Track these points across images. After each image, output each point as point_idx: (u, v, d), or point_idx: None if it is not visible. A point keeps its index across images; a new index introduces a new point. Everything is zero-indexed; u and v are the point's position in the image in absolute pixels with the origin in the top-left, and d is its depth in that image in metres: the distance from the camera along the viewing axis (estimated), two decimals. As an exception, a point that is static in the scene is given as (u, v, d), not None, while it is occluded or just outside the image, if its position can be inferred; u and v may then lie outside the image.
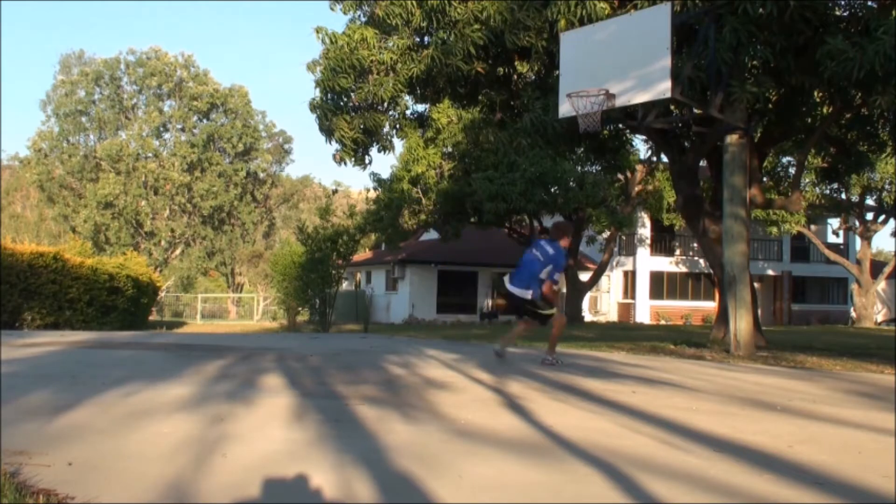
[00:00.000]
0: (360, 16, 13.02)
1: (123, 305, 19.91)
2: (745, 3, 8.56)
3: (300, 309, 22.92)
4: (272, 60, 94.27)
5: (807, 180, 26.85)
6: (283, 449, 3.29)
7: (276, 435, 3.59)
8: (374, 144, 13.35)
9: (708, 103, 9.60)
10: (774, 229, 30.55)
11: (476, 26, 10.55)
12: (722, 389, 5.91)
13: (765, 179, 18.27)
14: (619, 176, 25.27)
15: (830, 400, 5.46)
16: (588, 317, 30.69)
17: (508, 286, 7.55)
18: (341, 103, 12.62)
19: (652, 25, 8.63)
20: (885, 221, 32.55)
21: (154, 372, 6.14)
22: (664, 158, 20.17)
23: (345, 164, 13.24)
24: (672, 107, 11.39)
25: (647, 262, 32.91)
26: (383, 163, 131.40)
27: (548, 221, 27.54)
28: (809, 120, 13.26)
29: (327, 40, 12.20)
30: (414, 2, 11.22)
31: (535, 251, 7.44)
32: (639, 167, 26.82)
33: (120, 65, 44.78)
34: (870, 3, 9.83)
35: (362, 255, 33.41)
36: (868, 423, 4.40)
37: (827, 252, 32.77)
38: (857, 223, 32.92)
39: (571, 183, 24.35)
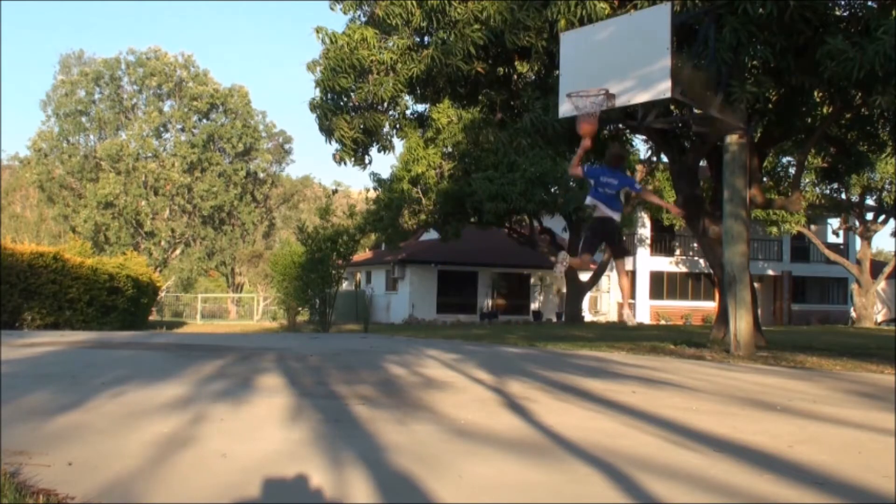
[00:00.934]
0: (360, 16, 13.02)
1: (123, 305, 19.90)
2: (745, 3, 8.56)
3: (300, 309, 22.91)
4: (272, 60, 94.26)
5: (807, 180, 26.84)
6: (282, 449, 3.29)
7: (276, 435, 3.58)
8: (374, 144, 13.34)
9: (708, 103, 9.59)
10: (774, 229, 30.55)
11: (476, 26, 10.55)
12: (722, 389, 5.91)
13: (765, 179, 18.26)
14: (619, 176, 25.22)
15: (830, 400, 5.46)
16: (588, 317, 30.69)
17: (608, 211, 6.93)
18: (341, 103, 12.62)
19: (652, 25, 8.63)
20: (885, 221, 32.54)
21: (154, 372, 6.14)
22: (664, 158, 20.17)
23: (345, 163, 13.24)
24: (672, 107, 11.39)
25: (647, 262, 32.91)
26: (383, 163, 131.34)
27: (548, 221, 27.65)
28: (809, 120, 13.26)
29: (327, 40, 12.20)
30: (414, 2, 11.22)
31: (607, 178, 7.03)
32: (639, 167, 26.81)
33: (120, 65, 44.76)
34: (870, 3, 9.83)
35: (362, 255, 33.40)
36: (868, 423, 4.39)
37: (827, 252, 32.76)
38: (857, 223, 32.91)
39: (571, 183, 24.34)
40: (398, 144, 25.09)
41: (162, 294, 34.29)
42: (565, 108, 9.36)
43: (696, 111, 10.45)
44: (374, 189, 27.23)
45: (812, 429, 4.17)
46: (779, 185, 21.75)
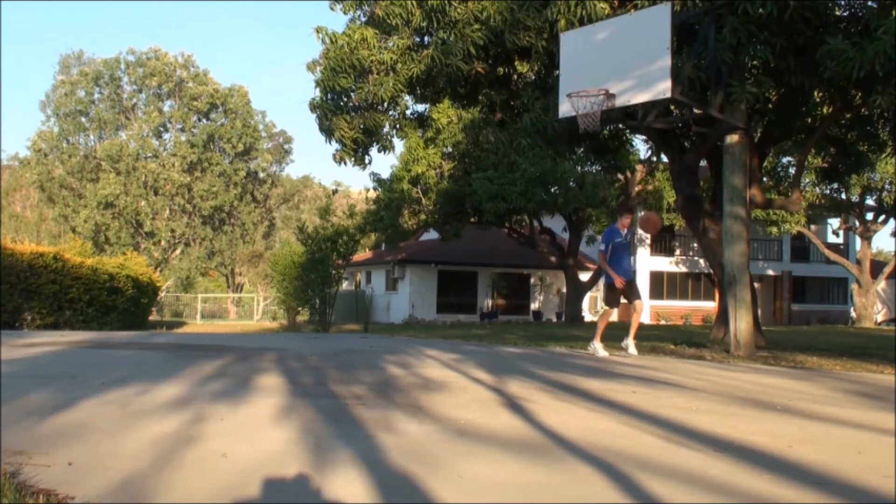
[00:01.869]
0: (360, 16, 13.02)
1: (123, 305, 19.91)
2: (745, 3, 8.56)
3: (300, 309, 22.92)
4: (272, 60, 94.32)
5: (807, 180, 26.86)
6: (282, 449, 3.29)
7: (276, 435, 3.58)
8: (374, 144, 13.35)
9: (708, 103, 9.60)
10: (774, 229, 30.56)
11: (476, 26, 10.55)
12: (722, 389, 5.91)
13: (765, 179, 18.28)
14: (619, 176, 25.27)
15: (830, 400, 5.46)
16: (588, 317, 30.68)
17: (625, 277, 8.89)
18: (341, 103, 12.62)
19: (652, 25, 8.63)
20: (885, 221, 32.56)
21: (154, 372, 6.14)
22: (664, 158, 20.18)
23: (345, 164, 13.24)
24: (672, 107, 11.39)
25: (648, 262, 32.92)
26: (383, 163, 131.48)
27: (548, 221, 27.66)
28: (809, 120, 13.26)
29: (327, 40, 12.20)
30: (414, 2, 11.22)
31: (621, 238, 8.90)
32: (639, 167, 26.83)
33: (120, 65, 44.81)
34: (870, 3, 9.83)
35: (362, 255, 33.41)
36: (868, 423, 4.40)
37: (827, 252, 32.77)
38: (857, 223, 32.92)
39: (571, 183, 24.36)
40: (398, 144, 25.11)
41: (162, 294, 34.31)
42: (565, 108, 9.36)
43: (696, 111, 10.45)
44: (374, 189, 27.24)
45: (812, 429, 4.17)
46: (779, 185, 21.76)
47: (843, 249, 34.88)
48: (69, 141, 44.83)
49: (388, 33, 11.89)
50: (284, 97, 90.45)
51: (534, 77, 12.15)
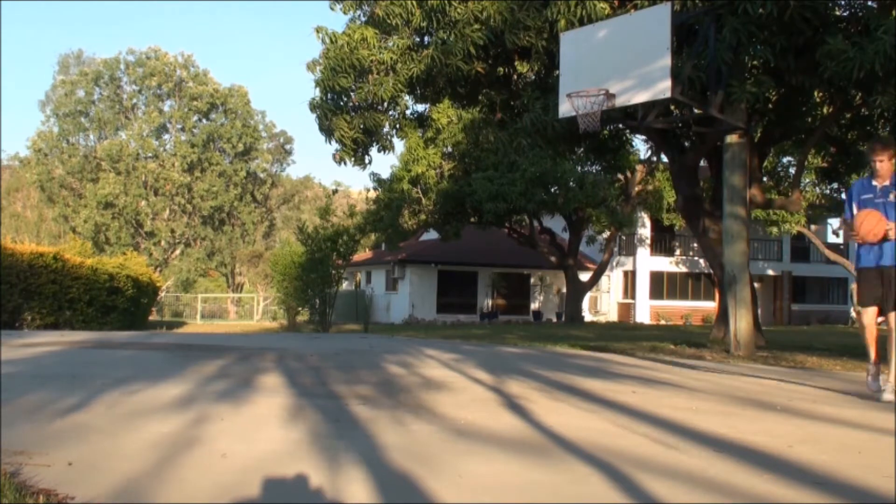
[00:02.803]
0: (360, 16, 13.02)
1: (123, 305, 19.90)
2: (745, 3, 8.56)
3: (300, 309, 22.91)
4: (272, 60, 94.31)
5: (807, 180, 26.86)
6: (282, 449, 3.29)
7: (276, 435, 3.58)
8: (374, 144, 13.35)
9: (708, 103, 9.60)
10: (774, 229, 30.55)
11: (476, 26, 10.55)
12: (722, 389, 5.91)
13: (765, 179, 18.27)
14: (619, 176, 25.27)
15: (830, 400, 5.46)
16: (588, 317, 30.69)
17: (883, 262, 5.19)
18: (341, 103, 12.62)
19: (652, 25, 8.63)
20: (885, 221, 32.52)
21: (154, 372, 6.14)
22: (664, 158, 20.18)
23: (345, 163, 13.25)
24: (672, 107, 11.39)
25: (647, 262, 32.91)
26: (383, 163, 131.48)
27: (548, 221, 27.66)
28: (809, 120, 13.26)
29: (327, 40, 12.21)
30: (414, 2, 11.22)
31: (876, 195, 5.23)
32: (639, 167, 26.82)
33: (119, 65, 44.79)
34: (870, 3, 9.83)
35: (362, 255, 33.41)
36: (868, 423, 4.40)
37: (827, 252, 32.76)
38: (858, 223, 32.88)
39: (571, 183, 24.35)
40: (398, 144, 25.11)
41: (162, 294, 34.30)
42: (565, 108, 9.36)
43: (696, 111, 10.45)
44: (374, 189, 27.24)
45: (812, 429, 4.17)
46: (779, 185, 21.76)
47: (843, 249, 34.86)
48: (69, 141, 44.81)
49: (388, 33, 11.89)
50: (284, 97, 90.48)
51: (534, 77, 12.15)
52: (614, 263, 32.60)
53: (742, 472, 3.03)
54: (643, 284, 32.77)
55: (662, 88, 8.53)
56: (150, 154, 44.50)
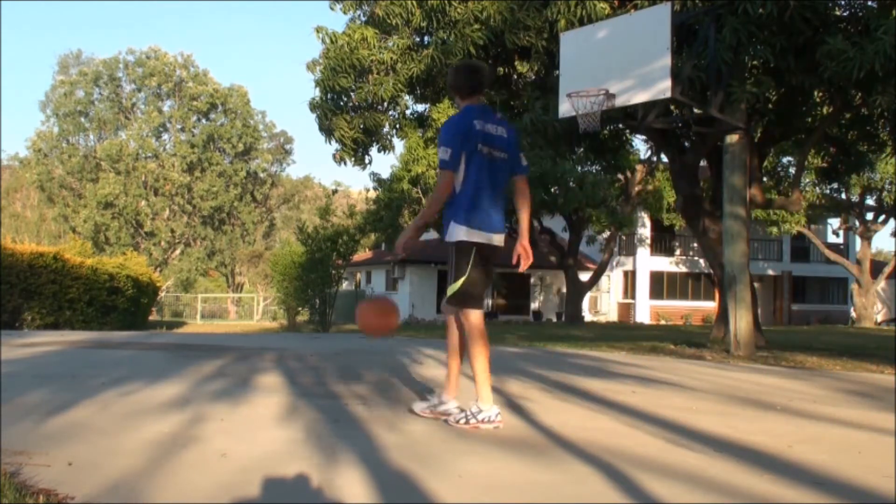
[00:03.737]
0: (360, 15, 13.03)
1: (123, 305, 19.91)
2: (745, 3, 8.56)
3: (300, 309, 22.91)
4: (272, 60, 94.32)
5: (807, 180, 26.87)
6: (282, 448, 3.29)
7: (276, 434, 3.58)
8: (374, 144, 13.35)
9: (708, 103, 9.60)
10: (774, 229, 30.57)
11: (476, 26, 10.56)
12: (722, 389, 5.91)
13: (765, 179, 18.27)
14: (619, 176, 25.27)
15: (830, 400, 5.46)
16: (588, 317, 30.69)
17: (497, 238, 3.92)
18: (341, 103, 12.63)
19: (652, 25, 8.64)
20: (885, 221, 32.57)
21: (153, 371, 6.14)
22: (664, 158, 20.17)
23: (345, 163, 13.25)
24: (672, 107, 11.40)
25: (647, 262, 32.92)
26: (383, 163, 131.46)
27: (548, 221, 27.68)
28: (809, 120, 13.27)
29: (327, 40, 12.21)
30: (414, 2, 11.22)
31: (489, 126, 3.84)
32: (639, 167, 26.83)
33: (119, 65, 44.80)
34: (870, 3, 9.83)
35: (362, 255, 33.41)
36: (868, 423, 4.39)
37: (827, 252, 32.77)
38: (857, 223, 32.93)
39: (571, 183, 24.35)
40: (398, 144, 25.10)
41: (162, 294, 34.29)
42: (565, 108, 9.37)
43: (696, 111, 10.46)
44: (374, 189, 27.23)
45: (812, 429, 4.17)
46: (779, 185, 21.76)
47: (843, 249, 34.88)
48: (69, 141, 44.82)
49: (388, 33, 11.90)
50: (284, 97, 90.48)
51: (534, 77, 12.16)
52: (614, 263, 32.61)
53: (742, 472, 3.02)
54: (643, 284, 32.77)
55: (662, 88, 8.53)
56: (149, 154, 44.51)
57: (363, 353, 8.84)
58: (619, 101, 8.98)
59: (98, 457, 3.04)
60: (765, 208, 21.53)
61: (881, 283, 33.79)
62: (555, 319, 30.57)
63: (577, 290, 27.46)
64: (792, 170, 21.59)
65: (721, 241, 10.81)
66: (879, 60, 8.09)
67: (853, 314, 34.68)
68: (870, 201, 32.08)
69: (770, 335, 14.19)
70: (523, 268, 3.93)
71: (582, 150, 14.14)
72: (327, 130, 12.70)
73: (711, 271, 16.09)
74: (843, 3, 10.19)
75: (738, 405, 4.99)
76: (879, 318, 35.81)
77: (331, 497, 2.57)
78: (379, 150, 13.64)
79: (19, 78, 76.05)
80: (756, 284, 19.01)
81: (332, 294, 20.67)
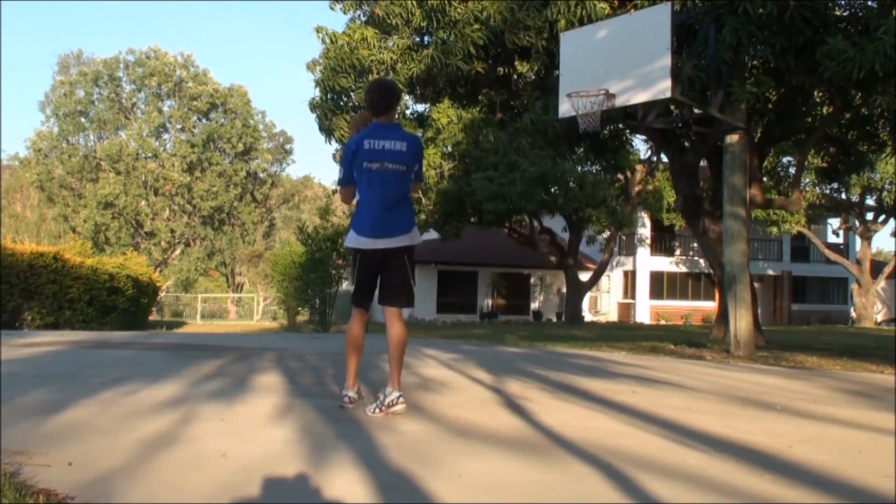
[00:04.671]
0: (360, 15, 13.04)
1: (123, 305, 19.90)
2: (745, 3, 8.56)
3: (300, 309, 22.90)
4: (272, 60, 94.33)
5: (807, 180, 26.87)
6: (282, 448, 3.29)
7: (275, 434, 3.58)
8: (374, 144, 13.33)
9: (708, 103, 9.60)
10: (774, 229, 30.56)
11: (476, 26, 10.56)
12: (722, 389, 5.91)
13: (765, 179, 18.27)
14: (619, 176, 25.27)
15: (830, 400, 5.46)
16: (588, 317, 30.68)
17: (382, 243, 4.17)
18: (341, 103, 12.64)
19: (652, 25, 8.64)
20: (885, 221, 32.57)
21: (153, 371, 6.14)
22: (664, 158, 20.18)
23: (345, 163, 13.24)
24: (672, 107, 11.40)
25: (647, 262, 32.91)
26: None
27: (548, 221, 27.68)
28: (809, 120, 13.26)
29: (327, 40, 12.22)
30: (414, 2, 11.23)
31: (385, 143, 4.08)
32: (639, 167, 26.83)
33: (119, 65, 44.78)
34: (870, 3, 9.83)
35: (362, 255, 33.34)
36: (868, 423, 4.39)
37: (827, 252, 32.77)
38: (857, 223, 32.93)
39: (571, 183, 24.34)
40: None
41: (162, 294, 34.29)
42: (565, 108, 9.37)
43: (696, 111, 10.46)
44: (374, 189, 27.15)
45: (812, 429, 4.17)
46: (779, 185, 21.76)
47: (843, 249, 34.87)
48: (69, 141, 44.81)
49: (388, 33, 11.90)
50: (284, 97, 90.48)
51: (534, 77, 12.16)
52: (614, 263, 32.61)
53: (742, 472, 3.02)
54: (643, 284, 32.77)
55: (662, 88, 8.53)
56: (149, 154, 44.50)
57: (363, 353, 8.82)
58: (619, 101, 8.98)
59: (98, 457, 3.04)
60: (765, 208, 21.53)
61: (881, 283, 33.78)
62: (555, 319, 30.57)
63: (577, 290, 27.45)
64: (792, 170, 21.59)
65: (721, 241, 10.81)
66: (879, 60, 8.09)
67: (853, 314, 34.67)
68: (870, 201, 32.09)
69: (770, 335, 14.18)
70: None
71: (582, 150, 14.14)
72: (327, 130, 12.71)
73: (711, 271, 16.09)
74: (843, 3, 10.19)
75: (738, 405, 4.99)
76: (879, 318, 35.81)
77: (330, 497, 2.57)
78: (379, 151, 13.62)
79: (19, 78, 76.08)
80: (756, 284, 19.01)
81: (332, 294, 20.65)
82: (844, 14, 10.19)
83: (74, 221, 43.05)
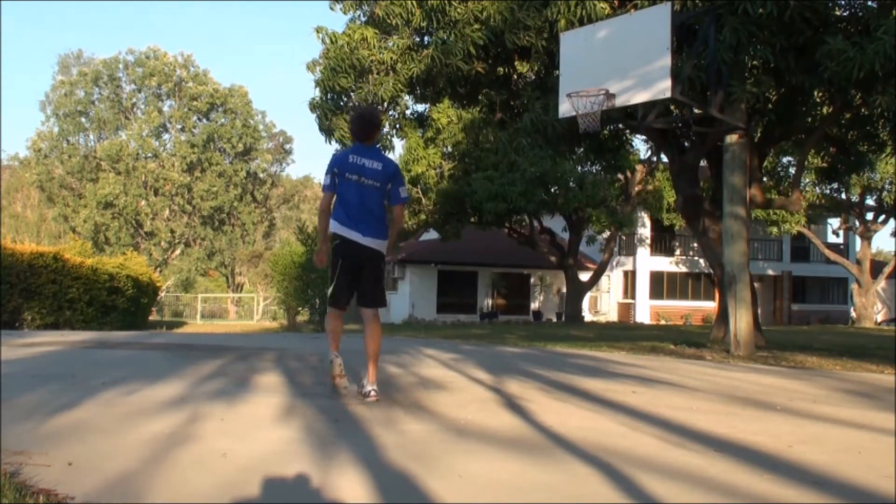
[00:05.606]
0: (360, 15, 13.03)
1: (123, 305, 19.90)
2: (745, 3, 8.56)
3: (300, 309, 22.91)
4: (272, 60, 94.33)
5: (807, 180, 26.86)
6: (282, 448, 3.29)
7: (276, 434, 3.58)
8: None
9: (708, 103, 9.60)
10: (774, 229, 30.55)
11: (476, 26, 10.55)
12: (722, 389, 5.91)
13: (765, 179, 18.27)
14: (619, 176, 25.27)
15: (830, 400, 5.46)
16: (588, 317, 30.68)
17: (357, 236, 4.61)
18: (341, 103, 12.63)
19: (652, 25, 8.64)
20: (885, 221, 32.56)
21: (153, 371, 6.14)
22: (664, 158, 20.18)
23: (345, 164, 13.23)
24: (672, 107, 11.39)
25: (647, 262, 32.90)
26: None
27: (548, 221, 27.68)
28: (809, 120, 13.26)
29: (327, 40, 12.21)
30: (414, 2, 11.22)
31: (364, 161, 4.64)
32: (639, 167, 26.82)
33: (119, 65, 44.78)
34: (870, 3, 9.84)
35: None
36: (868, 423, 4.40)
37: (827, 252, 32.75)
38: (857, 223, 32.92)
39: (571, 183, 24.35)
40: (398, 144, 25.10)
41: (162, 294, 34.28)
42: (565, 108, 9.37)
43: (696, 111, 10.46)
44: (374, 189, 27.14)
45: (812, 429, 4.17)
46: (779, 185, 21.76)
47: (843, 249, 34.85)
48: (69, 141, 44.80)
49: (388, 33, 11.90)
50: (284, 97, 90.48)
51: (534, 77, 12.15)
52: (614, 263, 32.60)
53: (742, 472, 3.02)
54: (643, 284, 32.77)
55: (662, 88, 8.53)
56: (149, 154, 44.50)
57: (363, 353, 8.83)
58: (619, 101, 8.97)
59: (98, 457, 3.04)
60: (765, 208, 21.53)
61: (881, 283, 33.77)
62: (555, 319, 30.56)
63: (577, 290, 27.45)
64: (792, 170, 21.60)
65: (721, 240, 10.81)
66: (879, 60, 8.09)
67: (853, 314, 34.66)
68: (870, 201, 32.07)
69: (770, 335, 14.18)
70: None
71: (582, 150, 14.13)
72: (327, 130, 12.70)
73: (711, 271, 16.10)
74: (843, 3, 10.19)
75: (738, 405, 4.99)
76: (879, 318, 35.80)
77: (331, 497, 2.57)
78: (379, 150, 13.62)
79: (19, 78, 76.07)
80: (756, 284, 19.01)
81: (332, 294, 20.65)
82: (844, 14, 10.19)
83: (74, 221, 43.05)
